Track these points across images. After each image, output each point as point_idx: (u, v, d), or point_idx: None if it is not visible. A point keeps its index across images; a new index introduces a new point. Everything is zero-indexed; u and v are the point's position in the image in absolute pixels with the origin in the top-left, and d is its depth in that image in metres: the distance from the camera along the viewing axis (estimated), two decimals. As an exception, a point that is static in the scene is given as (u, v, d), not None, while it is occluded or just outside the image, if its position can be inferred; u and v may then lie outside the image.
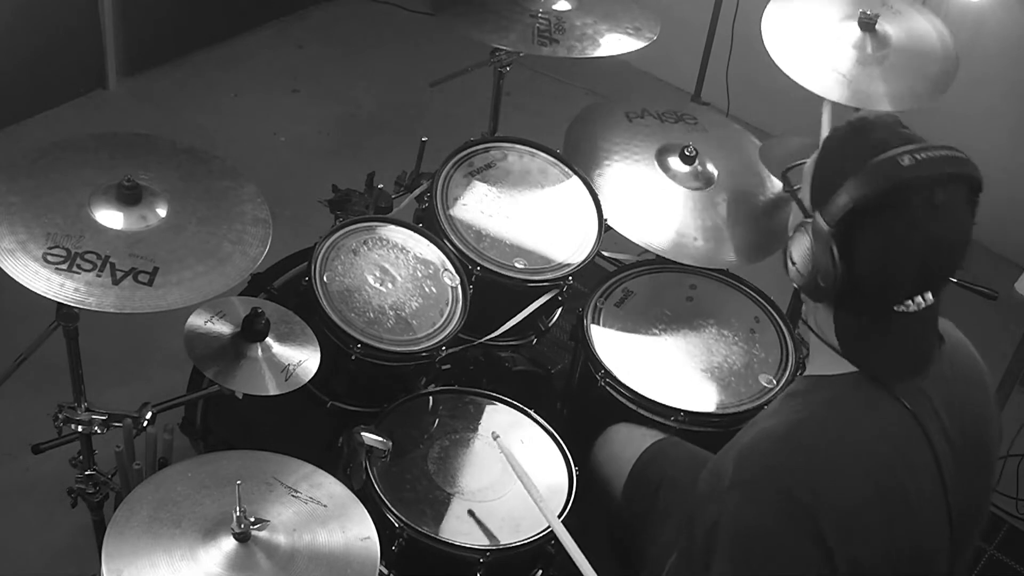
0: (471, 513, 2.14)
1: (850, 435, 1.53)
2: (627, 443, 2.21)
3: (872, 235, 1.45)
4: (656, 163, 2.73)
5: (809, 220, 1.51)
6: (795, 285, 1.57)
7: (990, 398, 1.70)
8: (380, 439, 2.16)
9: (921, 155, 1.44)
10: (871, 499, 1.51)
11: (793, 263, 1.54)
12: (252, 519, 1.77)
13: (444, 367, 2.43)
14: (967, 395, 1.64)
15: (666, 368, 2.43)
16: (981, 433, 1.66)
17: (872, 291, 1.49)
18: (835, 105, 2.67)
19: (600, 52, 2.75)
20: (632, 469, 2.14)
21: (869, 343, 1.55)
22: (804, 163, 1.59)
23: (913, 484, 1.54)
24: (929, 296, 1.50)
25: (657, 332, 2.50)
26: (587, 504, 2.20)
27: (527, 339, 2.63)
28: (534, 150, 2.72)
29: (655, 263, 2.70)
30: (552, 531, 2.06)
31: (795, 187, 1.59)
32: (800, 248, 1.52)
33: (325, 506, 1.87)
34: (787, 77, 2.72)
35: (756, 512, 1.50)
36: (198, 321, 2.16)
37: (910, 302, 1.49)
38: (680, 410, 2.30)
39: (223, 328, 2.16)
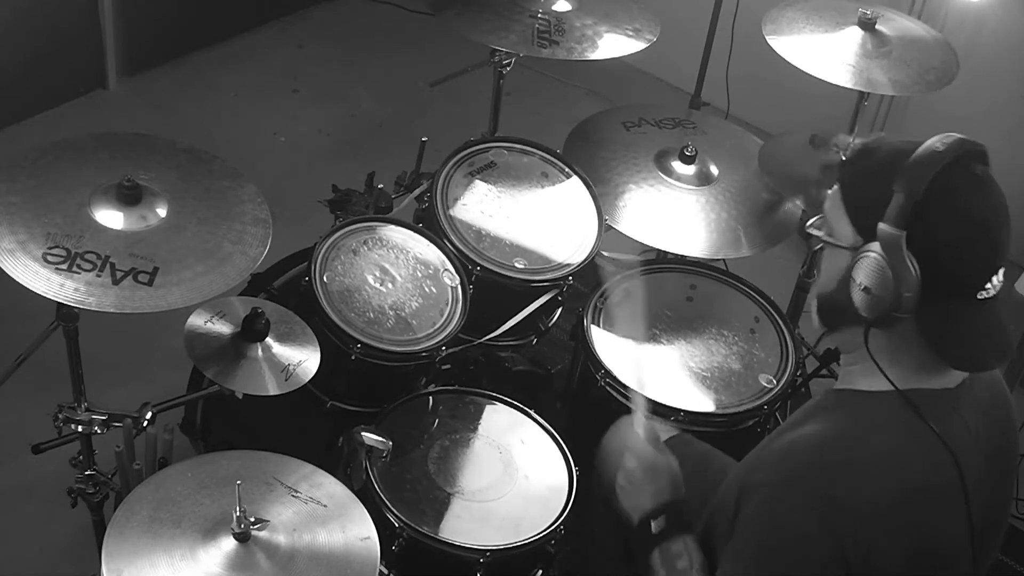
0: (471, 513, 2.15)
1: (880, 452, 1.56)
2: (639, 439, 2.20)
3: (943, 221, 1.50)
4: (657, 167, 2.76)
5: (866, 242, 1.53)
6: (870, 317, 1.55)
7: (1013, 411, 1.73)
8: (380, 439, 2.16)
9: (947, 140, 1.51)
10: (894, 514, 1.53)
11: (867, 291, 1.53)
12: (252, 519, 1.77)
13: (444, 367, 2.43)
14: (997, 412, 1.67)
15: (666, 368, 2.43)
16: (1008, 447, 1.69)
17: (958, 280, 1.52)
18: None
19: (600, 54, 2.75)
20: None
21: (963, 341, 1.56)
22: (821, 217, 1.64)
23: (936, 501, 1.56)
24: (1001, 275, 1.53)
25: (657, 332, 2.50)
26: (589, 502, 2.20)
27: (527, 339, 2.63)
28: (534, 150, 2.72)
29: (655, 263, 2.71)
30: (551, 532, 2.06)
31: (822, 234, 1.62)
32: (871, 271, 1.52)
33: (325, 506, 1.87)
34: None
35: (782, 512, 1.53)
36: (198, 321, 2.16)
37: (989, 285, 1.52)
38: (680, 410, 2.29)
39: (223, 328, 2.16)
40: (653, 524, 1.73)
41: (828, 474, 1.53)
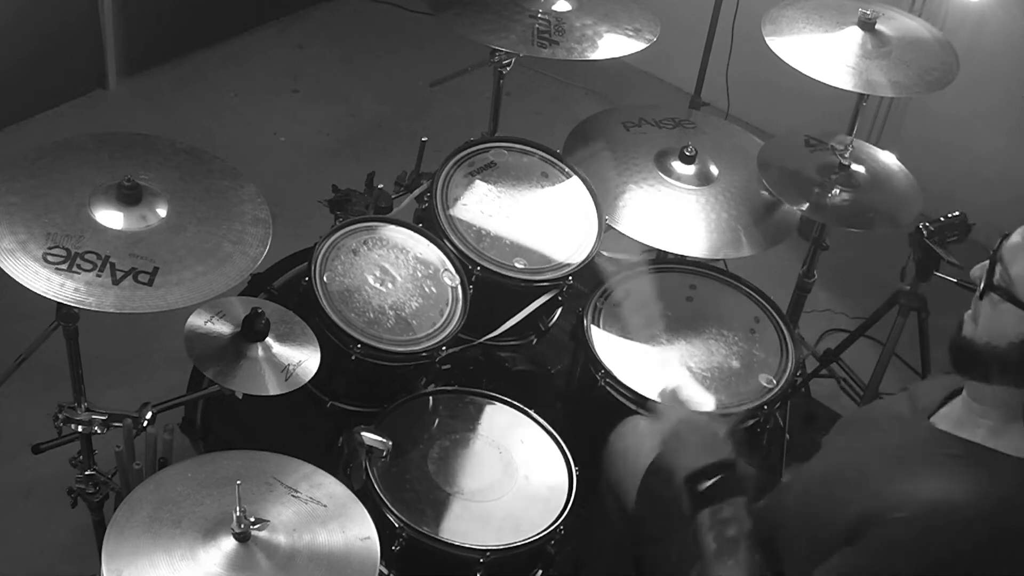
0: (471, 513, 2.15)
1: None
2: (645, 439, 2.19)
3: None
4: (657, 167, 2.76)
5: None
6: None
7: None
8: (380, 439, 2.16)
9: None
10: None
11: None
12: (252, 519, 1.77)
13: (444, 367, 2.44)
14: None
15: (666, 368, 2.43)
16: None
17: None
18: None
19: (600, 54, 2.75)
20: (650, 467, 2.11)
21: None
22: (996, 264, 1.57)
23: None
24: None
25: (657, 332, 2.50)
26: (591, 504, 2.20)
27: (527, 339, 2.63)
28: (534, 150, 2.72)
29: (655, 263, 2.71)
30: (551, 532, 2.05)
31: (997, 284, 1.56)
32: None
33: (325, 506, 1.87)
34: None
35: (905, 562, 1.48)
36: (198, 321, 2.16)
37: None
38: (680, 410, 2.29)
39: (223, 328, 2.16)
40: (703, 484, 1.66)
41: (967, 552, 1.46)
